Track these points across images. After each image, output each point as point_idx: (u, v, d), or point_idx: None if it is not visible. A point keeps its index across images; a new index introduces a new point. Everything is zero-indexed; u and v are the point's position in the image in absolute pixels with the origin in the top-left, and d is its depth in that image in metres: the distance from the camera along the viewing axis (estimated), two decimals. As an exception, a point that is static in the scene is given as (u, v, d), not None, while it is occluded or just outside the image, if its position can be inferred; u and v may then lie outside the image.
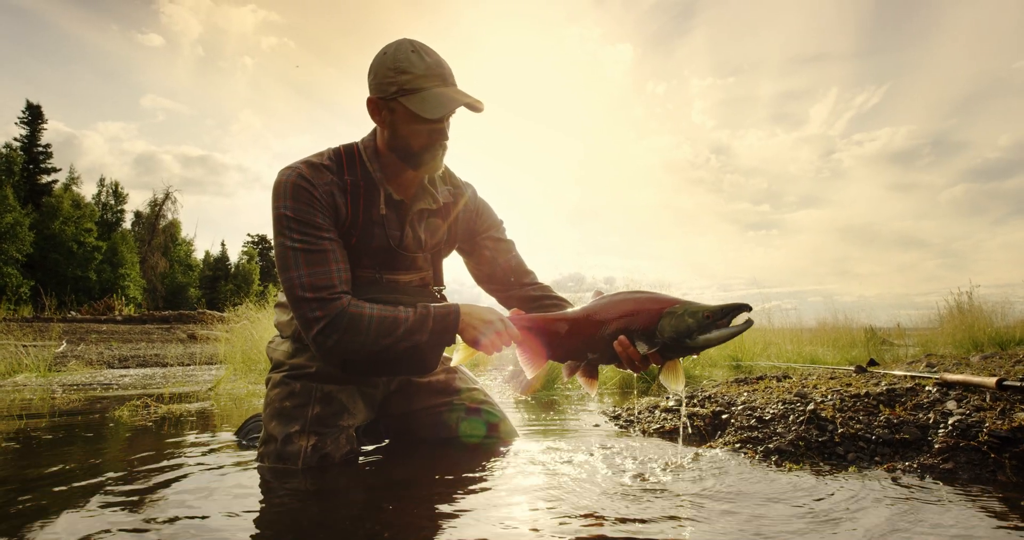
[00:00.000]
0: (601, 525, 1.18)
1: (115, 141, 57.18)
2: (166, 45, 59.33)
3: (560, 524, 1.19)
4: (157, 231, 38.68)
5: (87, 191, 37.61)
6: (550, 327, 1.60)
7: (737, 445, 1.83)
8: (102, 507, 1.33)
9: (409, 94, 1.55)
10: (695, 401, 2.41)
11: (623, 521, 1.20)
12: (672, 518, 1.21)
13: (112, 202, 38.67)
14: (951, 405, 1.80)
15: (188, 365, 6.77)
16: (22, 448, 2.07)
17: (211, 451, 1.93)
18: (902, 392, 2.00)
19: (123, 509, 1.32)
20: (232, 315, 6.72)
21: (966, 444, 1.55)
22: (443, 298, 1.89)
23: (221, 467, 1.69)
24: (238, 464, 1.73)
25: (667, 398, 2.65)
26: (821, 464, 1.62)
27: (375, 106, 1.63)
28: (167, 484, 1.52)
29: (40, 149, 34.45)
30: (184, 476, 1.60)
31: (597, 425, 2.42)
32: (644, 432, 2.21)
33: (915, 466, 1.54)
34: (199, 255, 43.43)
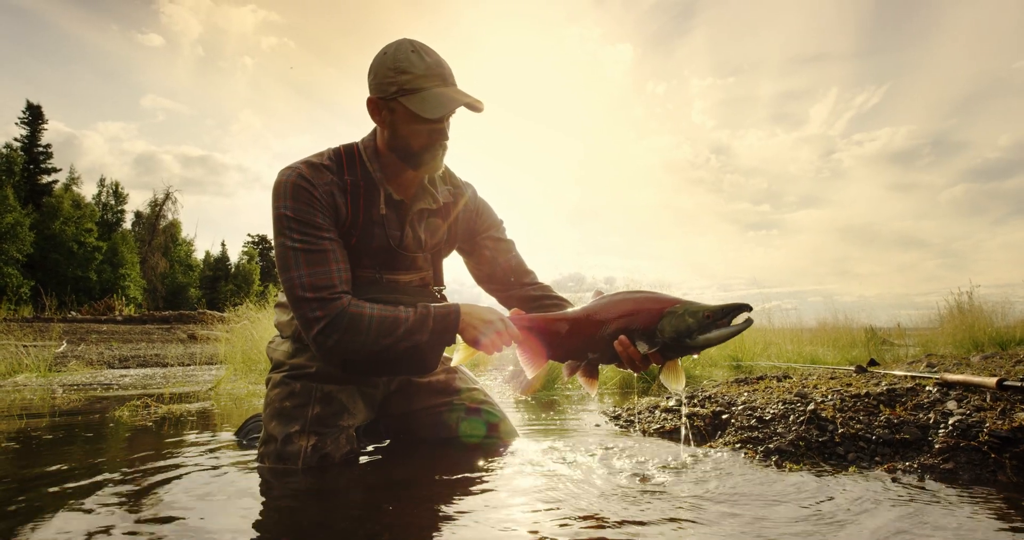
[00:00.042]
0: (601, 527, 1.18)
1: (115, 141, 57.29)
2: (166, 45, 59.43)
3: (560, 525, 1.19)
4: (157, 231, 38.69)
5: (87, 191, 37.72)
6: (550, 327, 1.60)
7: (737, 445, 1.83)
8: (102, 507, 1.33)
9: (409, 94, 1.55)
10: (695, 401, 2.41)
11: (624, 523, 1.20)
12: (673, 520, 1.20)
13: (112, 202, 38.71)
14: (951, 405, 1.80)
15: (188, 365, 6.77)
16: (22, 448, 2.07)
17: (211, 451, 1.93)
18: (902, 392, 2.00)
19: (123, 509, 1.31)
20: (232, 315, 6.72)
21: (966, 444, 1.55)
22: (443, 298, 1.89)
23: (221, 467, 1.69)
24: (238, 464, 1.73)
25: (667, 398, 2.65)
26: (821, 464, 1.62)
27: (375, 106, 1.63)
28: (167, 484, 1.52)
29: (40, 149, 34.48)
30: (184, 476, 1.60)
31: (597, 425, 2.42)
32: (644, 432, 2.21)
33: (915, 466, 1.54)
34: (199, 255, 43.51)
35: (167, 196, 39.34)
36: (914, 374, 2.39)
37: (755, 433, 1.87)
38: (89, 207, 34.50)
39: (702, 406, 2.30)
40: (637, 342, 1.50)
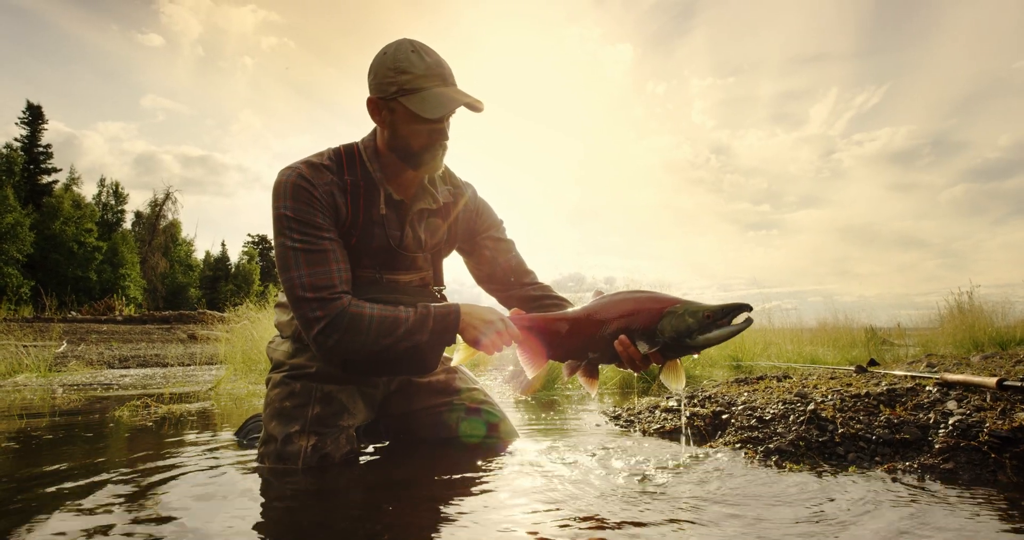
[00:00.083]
0: (602, 527, 1.18)
1: (115, 141, 57.31)
2: (166, 45, 59.43)
3: (560, 526, 1.19)
4: (157, 231, 38.70)
5: (87, 191, 37.74)
6: (551, 327, 1.60)
7: (737, 445, 1.83)
8: (101, 507, 1.33)
9: (409, 94, 1.55)
10: (695, 401, 2.41)
11: (624, 524, 1.20)
12: (674, 521, 1.20)
13: (112, 202, 38.72)
14: (951, 405, 1.80)
15: (188, 365, 6.77)
16: (22, 448, 2.07)
17: (211, 451, 1.93)
18: (902, 392, 2.00)
19: (122, 509, 1.31)
20: (232, 315, 6.72)
21: (967, 444, 1.55)
22: (443, 298, 1.89)
23: (221, 467, 1.69)
24: (238, 464, 1.73)
25: (667, 398, 2.65)
26: (821, 464, 1.62)
27: (375, 106, 1.63)
28: (167, 484, 1.52)
29: (40, 149, 34.49)
30: (184, 476, 1.60)
31: (598, 425, 2.42)
32: (644, 432, 2.21)
33: (915, 466, 1.54)
34: (199, 255, 43.53)
35: (167, 196, 39.37)
36: (914, 374, 2.39)
37: (755, 433, 1.86)
38: (89, 207, 34.51)
39: (702, 406, 2.30)
40: (637, 342, 1.50)
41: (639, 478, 1.51)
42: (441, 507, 1.32)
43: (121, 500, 1.38)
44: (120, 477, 1.60)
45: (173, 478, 1.58)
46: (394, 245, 1.72)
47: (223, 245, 45.35)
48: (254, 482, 1.53)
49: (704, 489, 1.41)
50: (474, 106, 1.58)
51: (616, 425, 2.41)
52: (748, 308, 1.45)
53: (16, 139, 33.87)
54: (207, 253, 44.77)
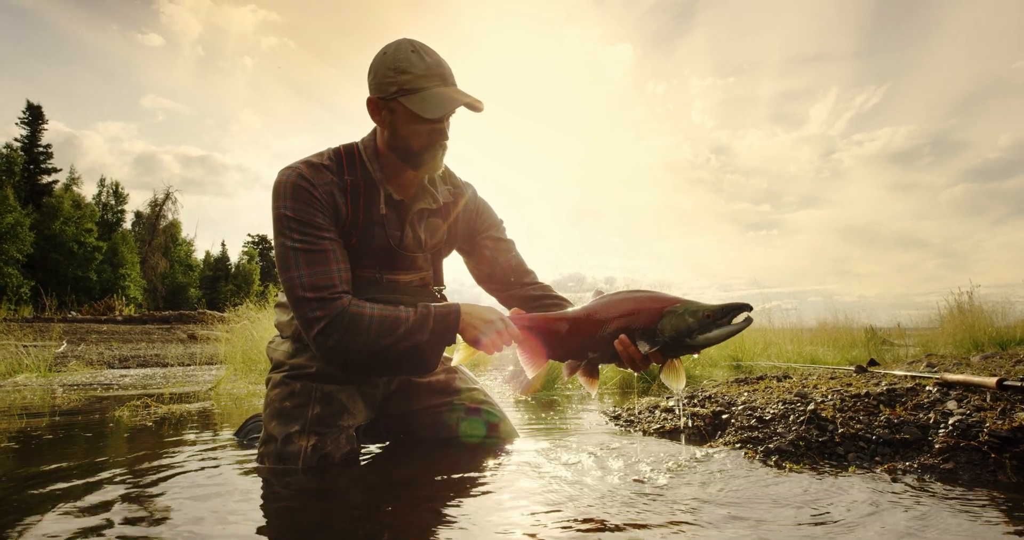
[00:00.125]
0: (601, 528, 1.18)
1: (115, 141, 57.35)
2: (166, 45, 59.46)
3: (560, 527, 1.19)
4: (157, 231, 38.71)
5: (87, 191, 37.76)
6: (551, 326, 1.60)
7: (737, 445, 1.83)
8: (101, 507, 1.33)
9: (409, 94, 1.55)
10: (695, 401, 2.41)
11: (624, 525, 1.20)
12: (674, 523, 1.20)
13: (112, 202, 38.74)
14: (951, 405, 1.80)
15: (188, 365, 6.77)
16: (22, 447, 2.07)
17: (211, 451, 1.93)
18: (902, 392, 2.00)
19: (122, 509, 1.31)
20: (232, 315, 6.72)
21: (967, 444, 1.55)
22: (443, 298, 1.89)
23: (221, 467, 1.69)
24: (238, 464, 1.73)
25: (667, 398, 2.65)
26: (821, 464, 1.62)
27: (375, 106, 1.63)
28: (166, 484, 1.52)
29: (40, 149, 34.50)
30: (183, 476, 1.60)
31: (598, 425, 2.42)
32: (644, 432, 2.21)
33: (915, 466, 1.54)
34: (199, 255, 43.55)
35: (167, 196, 39.38)
36: (914, 374, 2.39)
37: (755, 433, 1.86)
38: (89, 207, 34.53)
39: (702, 406, 2.30)
40: (637, 341, 1.50)
41: (639, 479, 1.51)
42: (441, 507, 1.32)
43: (120, 500, 1.38)
44: (120, 477, 1.60)
45: (173, 478, 1.58)
46: (394, 245, 1.72)
47: (223, 245, 45.42)
48: (254, 482, 1.53)
49: (704, 490, 1.41)
50: (474, 106, 1.58)
51: (616, 425, 2.41)
52: (748, 308, 1.45)
53: (16, 139, 33.94)
54: (207, 253, 44.86)
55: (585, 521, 1.21)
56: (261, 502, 1.37)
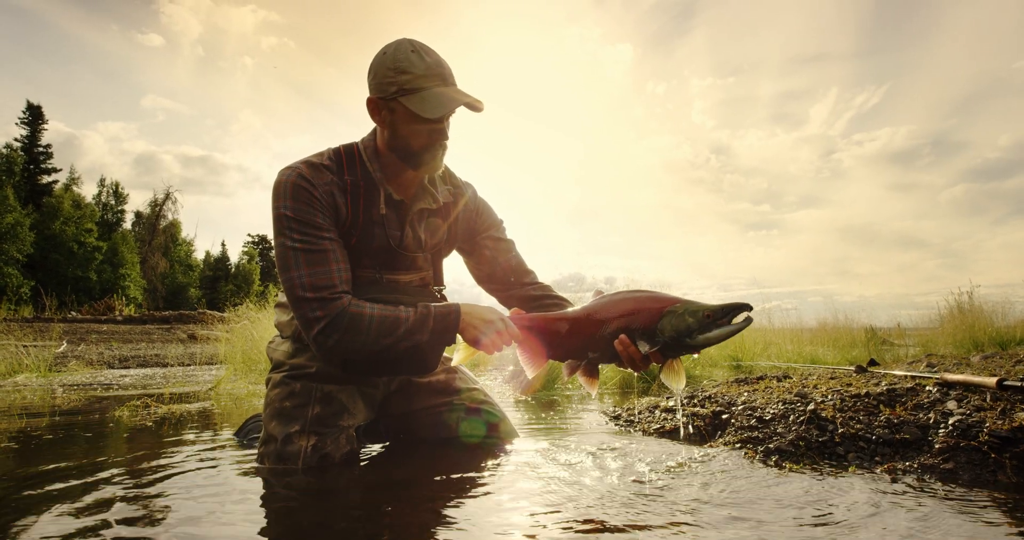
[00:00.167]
0: (601, 529, 1.18)
1: (115, 141, 57.36)
2: (166, 45, 59.46)
3: (560, 527, 1.19)
4: (157, 231, 38.71)
5: (87, 191, 37.76)
6: (551, 326, 1.60)
7: (737, 445, 1.83)
8: (100, 506, 1.33)
9: (409, 94, 1.55)
10: (695, 401, 2.41)
11: (624, 525, 1.20)
12: (674, 524, 1.20)
13: (112, 202, 38.73)
14: (951, 405, 1.80)
15: (188, 365, 6.77)
16: (22, 447, 2.07)
17: (211, 451, 1.93)
18: (902, 392, 2.00)
19: (121, 508, 1.31)
20: (232, 315, 6.72)
21: (967, 444, 1.55)
22: (443, 298, 1.89)
23: (221, 467, 1.69)
24: (238, 464, 1.73)
25: (667, 398, 2.64)
26: (822, 464, 1.62)
27: (375, 106, 1.63)
28: (166, 484, 1.52)
29: (40, 149, 34.50)
30: (183, 476, 1.60)
31: (598, 425, 2.42)
32: (644, 432, 2.21)
33: (915, 466, 1.54)
34: (199, 255, 43.55)
35: (167, 196, 39.37)
36: (914, 374, 2.39)
37: (755, 433, 1.86)
38: (89, 207, 34.52)
39: (702, 406, 2.30)
40: (637, 341, 1.50)
41: (639, 479, 1.51)
42: (441, 507, 1.32)
43: (120, 500, 1.38)
44: (119, 477, 1.60)
45: (172, 478, 1.58)
46: (394, 245, 1.72)
47: (223, 245, 45.41)
48: (254, 482, 1.53)
49: (704, 490, 1.41)
50: (474, 106, 1.58)
51: (616, 425, 2.41)
52: (748, 307, 1.45)
53: (16, 139, 33.93)
54: (207, 253, 44.86)
55: (585, 521, 1.21)
56: (261, 502, 1.37)
